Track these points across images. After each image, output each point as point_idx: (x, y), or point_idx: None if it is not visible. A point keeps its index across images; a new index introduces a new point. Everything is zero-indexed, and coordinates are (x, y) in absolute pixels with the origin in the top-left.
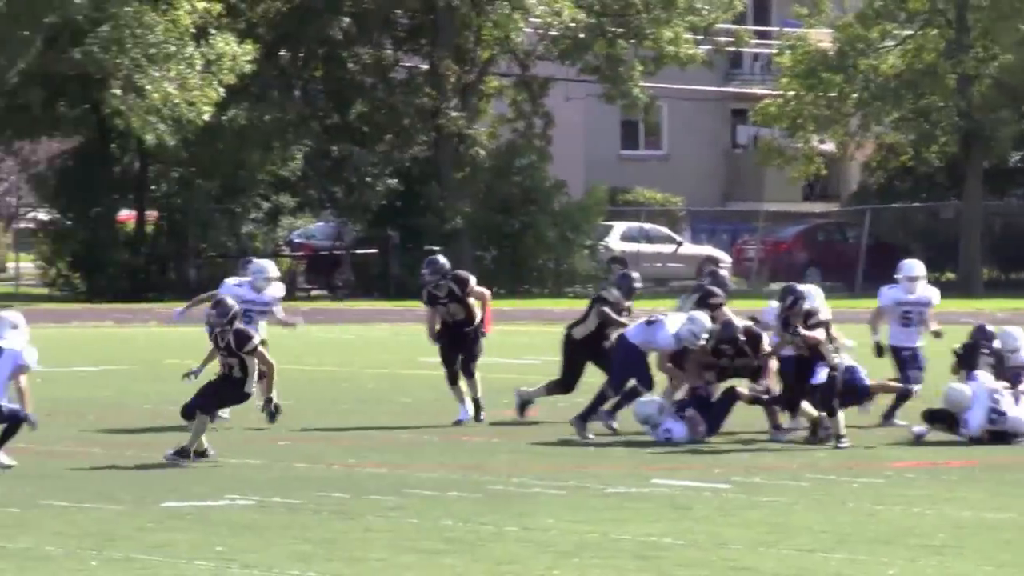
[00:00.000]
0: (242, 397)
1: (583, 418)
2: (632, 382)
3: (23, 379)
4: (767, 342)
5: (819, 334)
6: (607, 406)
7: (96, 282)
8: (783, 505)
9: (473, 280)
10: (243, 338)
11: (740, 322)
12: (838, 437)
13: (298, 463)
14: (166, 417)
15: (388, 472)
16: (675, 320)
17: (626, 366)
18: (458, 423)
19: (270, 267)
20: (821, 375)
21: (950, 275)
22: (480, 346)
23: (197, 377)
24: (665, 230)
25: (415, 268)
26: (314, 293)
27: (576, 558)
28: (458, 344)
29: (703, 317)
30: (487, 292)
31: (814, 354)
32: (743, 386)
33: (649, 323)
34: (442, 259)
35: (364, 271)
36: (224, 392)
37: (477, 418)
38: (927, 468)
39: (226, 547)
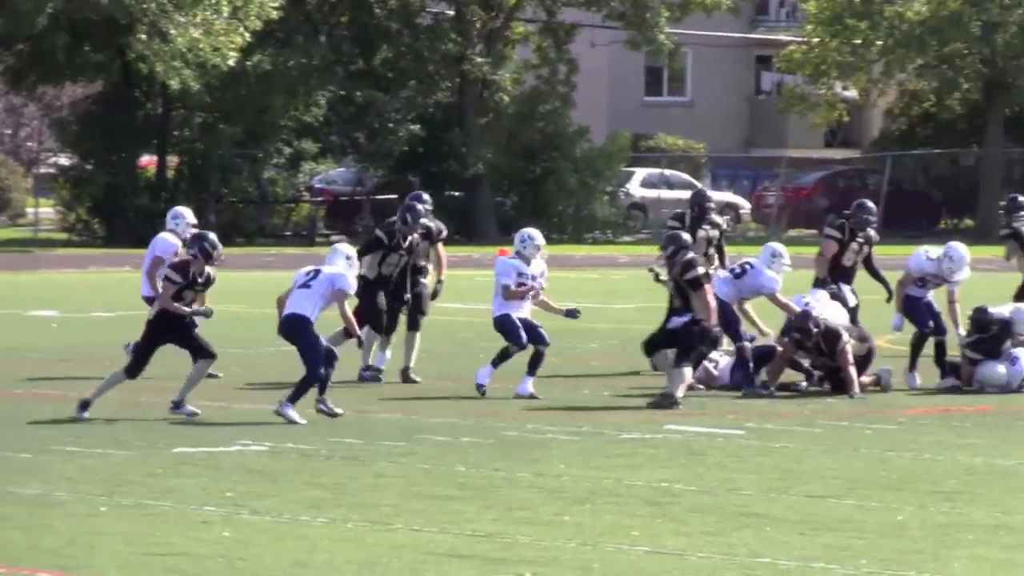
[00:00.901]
0: None
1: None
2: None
3: (345, 305)
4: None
5: (711, 300)
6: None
7: (116, 227)
8: (795, 451)
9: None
10: None
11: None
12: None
13: (311, 409)
14: (179, 363)
15: (401, 418)
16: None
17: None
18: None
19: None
20: (677, 322)
21: (969, 222)
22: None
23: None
24: (686, 176)
25: (436, 213)
26: (334, 238)
27: (588, 504)
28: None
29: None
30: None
31: (684, 304)
32: None
33: (737, 275)
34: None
35: (385, 217)
36: None
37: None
38: (939, 414)
39: (236, 493)
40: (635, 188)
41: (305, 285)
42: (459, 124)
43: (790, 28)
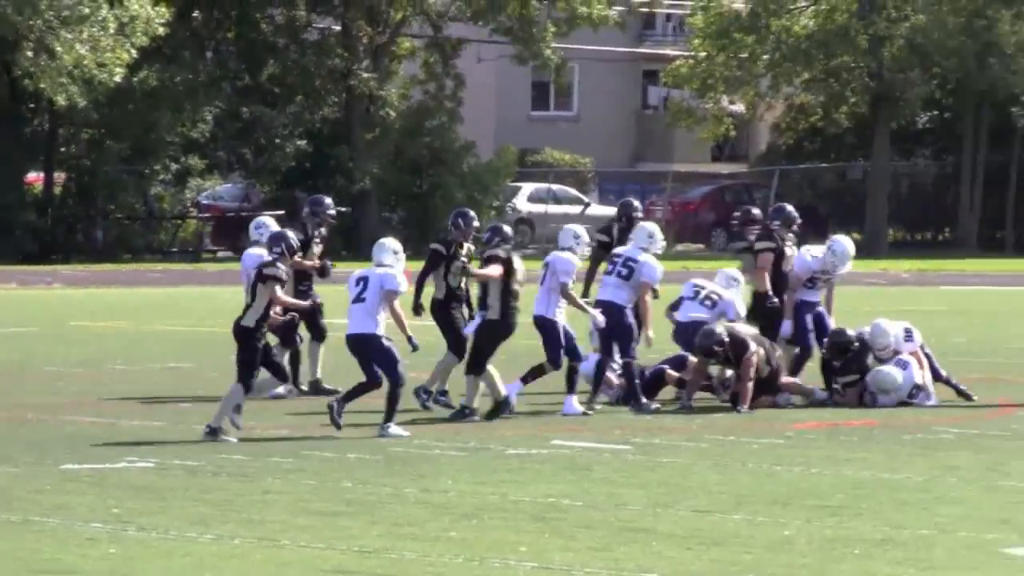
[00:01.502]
0: None
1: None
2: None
3: (396, 304)
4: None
5: (491, 271)
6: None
7: (2, 244)
8: (682, 466)
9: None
10: None
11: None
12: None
13: (198, 425)
14: (69, 379)
15: (288, 434)
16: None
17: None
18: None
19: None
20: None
21: (856, 235)
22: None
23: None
24: (573, 191)
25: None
26: (221, 255)
27: (475, 519)
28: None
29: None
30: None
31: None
32: None
33: (625, 277)
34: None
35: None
36: None
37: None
38: (827, 429)
39: (123, 509)
40: (522, 203)
41: (359, 299)
42: (346, 139)
43: (677, 43)
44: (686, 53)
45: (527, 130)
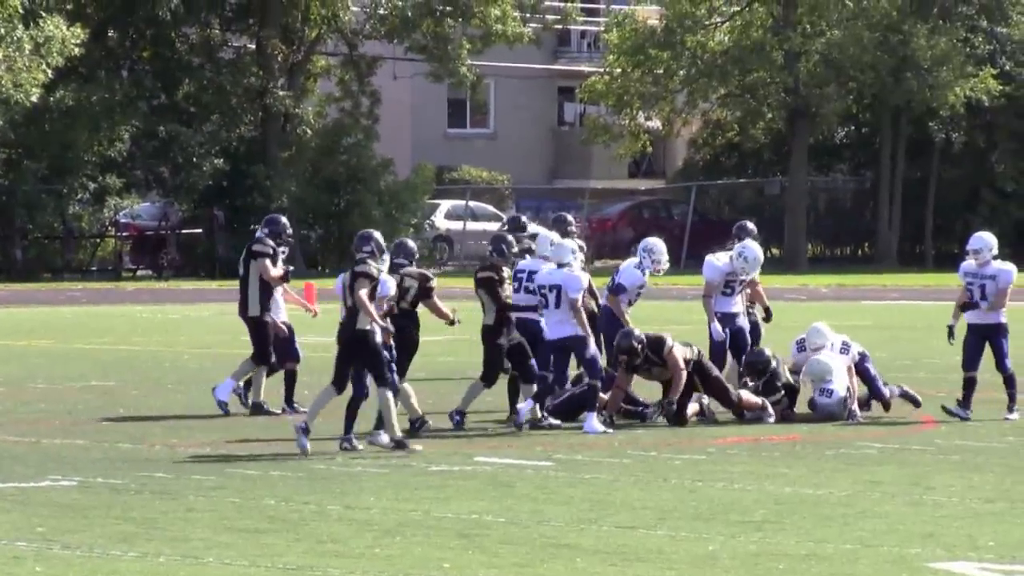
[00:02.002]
0: None
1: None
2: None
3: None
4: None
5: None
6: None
7: None
8: (604, 482)
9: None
10: None
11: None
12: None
13: (121, 443)
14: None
15: (210, 452)
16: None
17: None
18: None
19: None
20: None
21: (775, 251)
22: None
23: None
24: (491, 208)
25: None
26: (140, 273)
27: (398, 536)
28: None
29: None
30: None
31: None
32: None
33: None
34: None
35: (190, 251)
36: None
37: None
38: (749, 444)
39: (47, 528)
40: (440, 220)
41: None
42: (262, 158)
43: (592, 59)
44: (601, 69)
45: (444, 147)
